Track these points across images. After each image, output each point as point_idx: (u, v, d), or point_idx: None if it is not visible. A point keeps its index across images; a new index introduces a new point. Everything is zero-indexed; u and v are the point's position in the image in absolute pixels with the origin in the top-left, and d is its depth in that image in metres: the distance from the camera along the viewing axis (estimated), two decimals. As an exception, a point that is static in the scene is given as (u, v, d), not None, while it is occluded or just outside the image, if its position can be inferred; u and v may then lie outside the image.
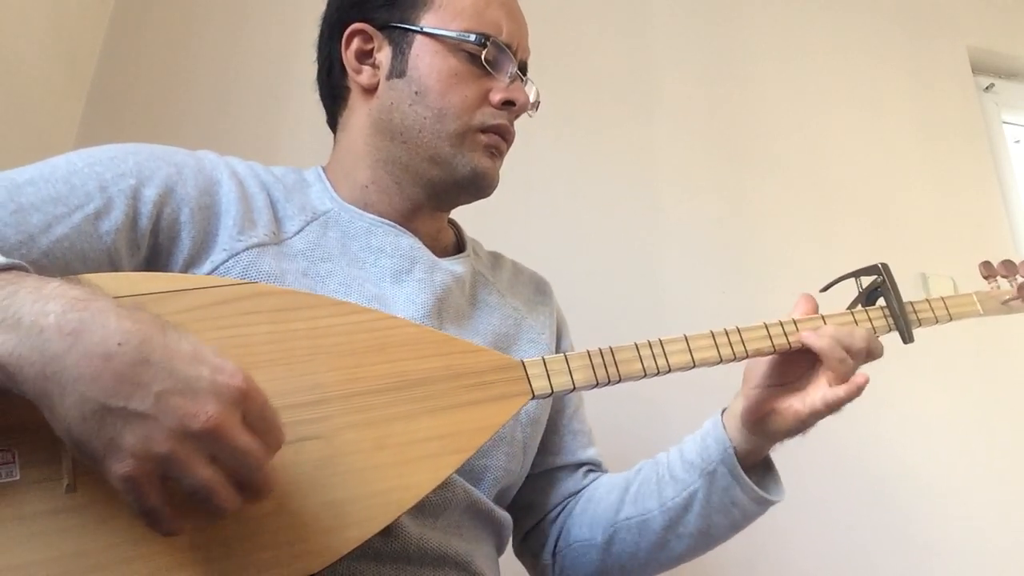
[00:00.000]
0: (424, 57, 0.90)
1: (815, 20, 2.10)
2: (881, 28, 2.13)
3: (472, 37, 0.89)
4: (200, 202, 0.81)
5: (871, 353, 0.84)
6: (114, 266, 0.74)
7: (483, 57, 0.89)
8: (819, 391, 0.82)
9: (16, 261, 0.58)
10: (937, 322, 0.92)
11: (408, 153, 0.90)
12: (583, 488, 1.02)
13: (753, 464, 0.90)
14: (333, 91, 0.98)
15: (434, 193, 0.93)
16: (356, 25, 0.93)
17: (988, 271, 0.98)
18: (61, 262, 0.70)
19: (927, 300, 0.92)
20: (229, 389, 0.52)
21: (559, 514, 1.01)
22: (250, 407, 0.53)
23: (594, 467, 1.05)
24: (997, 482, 1.69)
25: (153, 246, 0.78)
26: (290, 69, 1.69)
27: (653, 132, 1.86)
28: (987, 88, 2.21)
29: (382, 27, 0.92)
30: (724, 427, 0.89)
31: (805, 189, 1.89)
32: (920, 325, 0.90)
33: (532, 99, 0.97)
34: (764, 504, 0.89)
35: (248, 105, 1.66)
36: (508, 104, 0.91)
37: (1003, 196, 2.05)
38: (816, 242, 1.83)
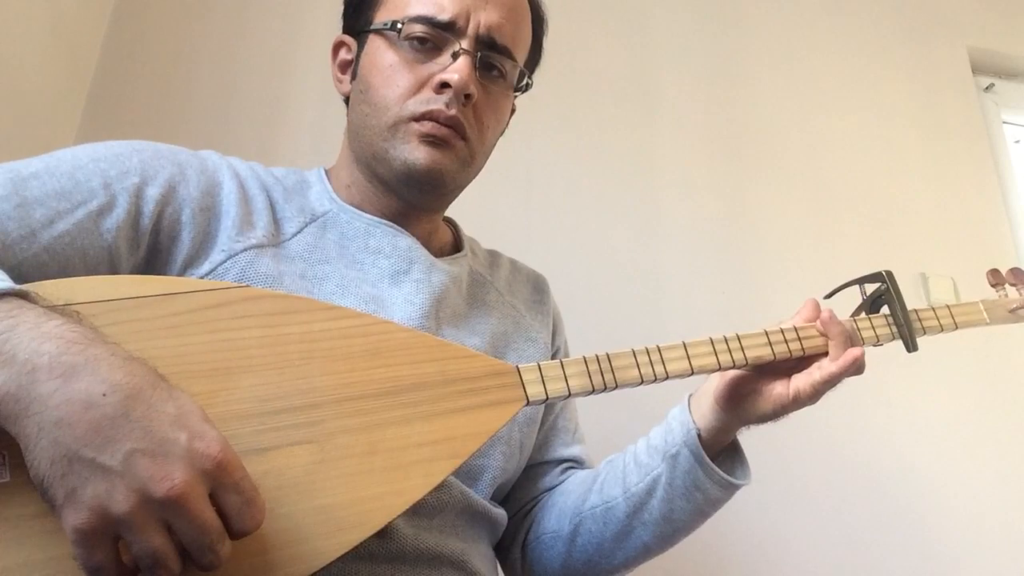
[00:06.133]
0: (369, 55, 0.90)
1: (815, 20, 2.10)
2: (881, 28, 2.13)
3: (399, 20, 0.86)
4: (202, 203, 0.81)
5: (858, 369, 0.82)
6: (113, 263, 0.74)
7: (416, 38, 0.86)
8: (806, 377, 0.81)
9: (20, 288, 0.57)
10: (942, 331, 0.90)
11: (363, 153, 0.90)
12: (558, 483, 1.01)
13: (720, 447, 0.88)
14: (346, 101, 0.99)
15: (393, 191, 0.91)
16: (339, 37, 0.96)
17: (996, 279, 0.96)
18: (61, 257, 0.71)
19: (932, 308, 0.90)
20: (203, 458, 0.51)
21: (531, 509, 1.00)
22: (224, 479, 0.52)
23: (575, 464, 1.03)
24: (999, 480, 1.69)
25: (153, 245, 0.78)
26: (290, 69, 1.70)
27: (653, 132, 1.86)
28: (987, 88, 2.21)
29: (356, 34, 0.94)
30: (690, 410, 0.88)
31: (805, 189, 1.89)
32: (925, 334, 0.89)
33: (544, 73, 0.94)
34: (728, 488, 0.87)
35: (248, 105, 1.66)
36: (445, 87, 0.85)
37: (1003, 196, 2.05)
38: (816, 242, 1.83)
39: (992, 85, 2.21)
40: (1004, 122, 2.19)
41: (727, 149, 1.89)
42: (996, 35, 2.21)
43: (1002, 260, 1.89)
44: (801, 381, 0.81)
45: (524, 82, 0.95)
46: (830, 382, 0.80)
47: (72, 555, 0.49)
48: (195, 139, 1.58)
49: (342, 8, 0.98)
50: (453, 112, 0.85)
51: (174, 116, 1.63)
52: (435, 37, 0.86)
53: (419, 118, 0.85)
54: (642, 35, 1.96)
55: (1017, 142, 2.21)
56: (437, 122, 0.85)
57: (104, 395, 0.50)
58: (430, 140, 0.85)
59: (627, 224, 1.76)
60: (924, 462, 1.67)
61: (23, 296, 0.57)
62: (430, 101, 0.85)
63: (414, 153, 0.85)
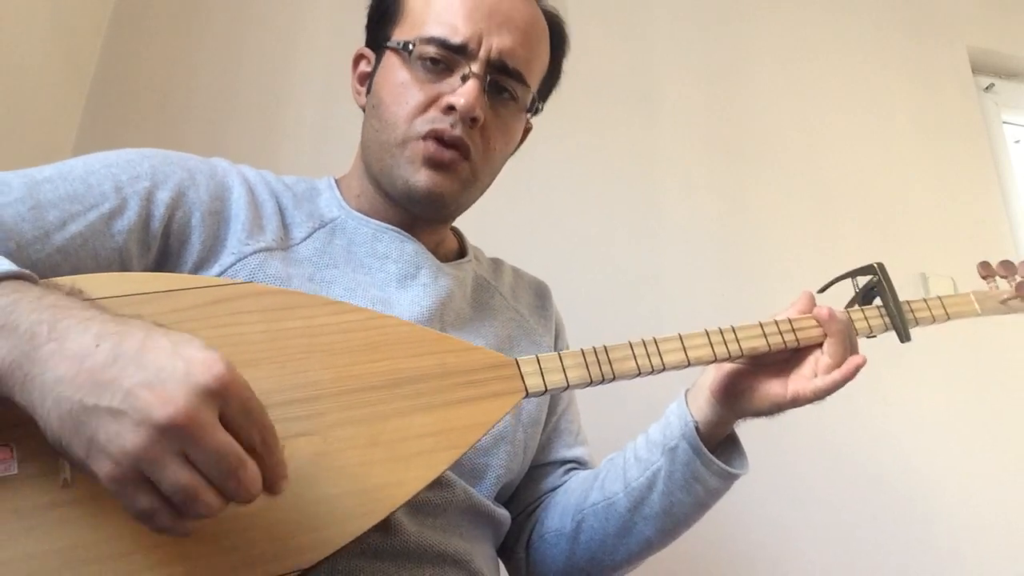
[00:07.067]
0: (384, 71, 0.91)
1: (815, 20, 2.10)
2: (881, 28, 2.13)
3: (413, 41, 0.87)
4: (211, 207, 0.83)
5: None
6: (124, 265, 0.76)
7: (429, 59, 0.87)
8: (806, 381, 0.82)
9: (24, 271, 0.58)
10: (935, 321, 0.91)
11: (372, 165, 0.92)
12: (561, 484, 1.01)
13: (718, 439, 0.89)
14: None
15: (398, 205, 0.92)
16: (360, 49, 0.97)
17: (986, 271, 0.98)
18: (74, 259, 0.73)
19: (924, 300, 0.91)
20: (204, 379, 0.49)
21: (535, 509, 1.01)
22: (231, 401, 0.51)
23: (578, 465, 1.04)
24: (996, 475, 1.69)
25: (163, 248, 0.80)
26: (290, 71, 1.70)
27: (653, 132, 1.86)
28: (987, 88, 2.21)
29: (375, 48, 0.95)
30: (687, 403, 0.89)
31: (805, 189, 1.89)
32: (917, 324, 0.90)
33: (525, 103, 0.94)
34: (727, 478, 0.87)
35: (247, 106, 1.66)
36: (451, 109, 0.85)
37: (1003, 196, 2.05)
38: (816, 242, 1.83)
39: (992, 85, 2.22)
40: (1004, 122, 2.19)
41: (727, 149, 1.89)
42: (996, 35, 2.21)
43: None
44: (800, 385, 0.82)
45: (535, 107, 0.96)
46: (831, 389, 0.81)
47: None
48: (195, 139, 1.59)
49: (366, 20, 0.98)
50: (457, 132, 0.86)
51: (174, 116, 1.63)
52: (447, 58, 0.87)
53: (424, 136, 0.86)
54: (642, 35, 1.96)
55: (1017, 142, 2.21)
56: (441, 141, 0.86)
57: (97, 345, 0.50)
58: (432, 163, 0.86)
59: (627, 224, 1.76)
60: (921, 458, 1.68)
61: (28, 278, 0.58)
62: (435, 120, 0.86)
63: (415, 176, 0.87)
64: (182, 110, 1.64)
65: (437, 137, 0.86)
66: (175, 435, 0.48)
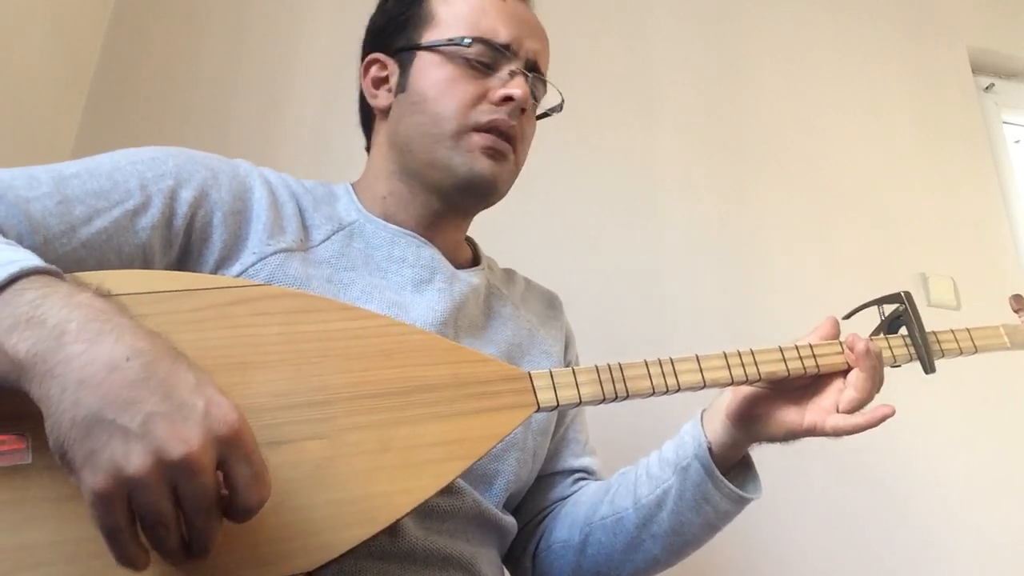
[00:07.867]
0: (423, 69, 0.93)
1: (815, 20, 2.10)
2: (881, 28, 2.13)
3: (460, 39, 0.91)
4: (233, 207, 0.84)
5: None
6: (147, 261, 0.78)
7: (475, 57, 0.91)
8: (826, 413, 0.81)
9: (53, 267, 0.59)
10: (962, 353, 0.90)
11: (415, 161, 0.93)
12: (570, 494, 1.02)
13: (732, 462, 0.89)
14: (365, 118, 1.03)
15: (442, 197, 0.94)
16: (372, 55, 0.99)
17: (1019, 304, 0.96)
18: (98, 253, 0.74)
19: (951, 331, 0.90)
20: (219, 424, 0.51)
21: (544, 518, 1.02)
22: (238, 449, 0.52)
23: (586, 475, 1.05)
24: (1002, 484, 1.69)
25: (185, 245, 0.81)
26: (289, 71, 1.70)
27: (653, 132, 1.86)
28: (987, 88, 2.21)
29: (395, 53, 0.97)
30: (702, 424, 0.89)
31: (805, 189, 1.89)
32: (943, 356, 0.88)
33: (554, 103, 1.01)
34: (738, 502, 0.87)
35: (247, 106, 1.66)
36: (507, 100, 0.91)
37: (1003, 196, 2.05)
38: (816, 242, 1.83)
39: (992, 85, 2.22)
40: (1004, 122, 2.19)
41: (727, 149, 1.89)
42: (996, 35, 2.21)
43: (1002, 260, 1.90)
44: (819, 417, 0.81)
45: (546, 111, 1.03)
46: (852, 432, 0.80)
47: (89, 515, 0.50)
48: (195, 140, 1.57)
49: (370, 28, 1.02)
50: (514, 122, 0.91)
51: (174, 116, 1.62)
52: (491, 57, 0.92)
53: (482, 128, 0.90)
54: (642, 35, 1.96)
55: (1017, 142, 2.21)
56: (499, 132, 0.91)
57: (127, 359, 0.51)
58: (491, 153, 0.91)
59: (627, 224, 1.76)
60: (924, 462, 1.67)
61: (56, 274, 0.59)
62: (492, 112, 0.90)
63: (478, 163, 0.90)
64: (182, 110, 1.63)
65: (496, 128, 0.90)
66: (179, 469, 0.49)
